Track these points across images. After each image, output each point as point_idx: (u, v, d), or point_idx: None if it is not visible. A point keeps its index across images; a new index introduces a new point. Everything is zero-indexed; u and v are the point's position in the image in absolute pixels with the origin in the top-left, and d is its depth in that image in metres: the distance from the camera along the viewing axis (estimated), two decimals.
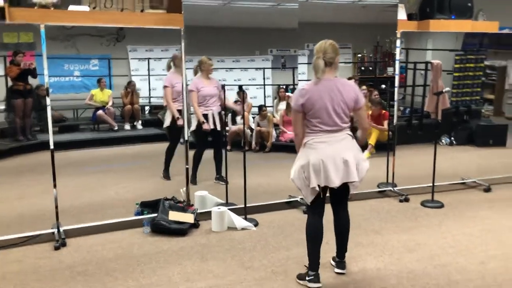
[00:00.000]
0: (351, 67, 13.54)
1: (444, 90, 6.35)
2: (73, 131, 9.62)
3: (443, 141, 8.56)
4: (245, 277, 3.44)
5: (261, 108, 8.46)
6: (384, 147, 6.38)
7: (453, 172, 6.23)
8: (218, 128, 5.78)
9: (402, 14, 5.59)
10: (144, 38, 11.22)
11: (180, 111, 5.80)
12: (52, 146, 4.15)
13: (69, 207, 4.76)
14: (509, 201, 5.21)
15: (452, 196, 5.37)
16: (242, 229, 4.38)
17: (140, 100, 10.42)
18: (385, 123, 7.43)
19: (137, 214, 4.61)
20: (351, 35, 13.02)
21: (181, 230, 4.29)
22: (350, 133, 3.25)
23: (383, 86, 8.70)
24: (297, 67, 11.45)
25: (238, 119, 8.24)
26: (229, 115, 8.41)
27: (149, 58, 11.13)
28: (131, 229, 4.41)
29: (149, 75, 10.89)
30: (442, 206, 5.03)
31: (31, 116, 8.46)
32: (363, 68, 13.59)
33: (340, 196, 3.32)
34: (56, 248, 3.96)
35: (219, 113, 5.85)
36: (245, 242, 4.11)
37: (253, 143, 8.19)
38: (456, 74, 8.75)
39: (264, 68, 11.62)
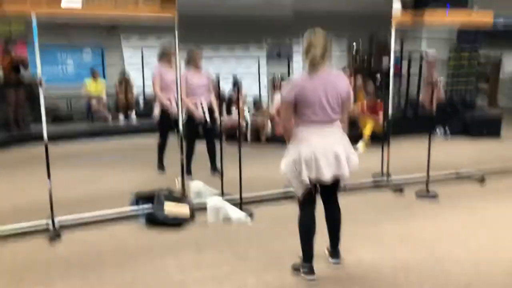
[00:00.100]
0: (346, 57, 13.53)
1: (438, 80, 6.37)
2: (66, 121, 9.56)
3: (437, 132, 8.59)
4: (241, 268, 3.45)
5: (256, 100, 8.44)
6: (379, 138, 6.39)
7: (447, 163, 6.26)
8: (208, 120, 5.75)
9: (397, 3, 5.56)
10: (138, 27, 11.13)
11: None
12: (46, 138, 4.11)
13: (64, 199, 4.73)
14: (503, 192, 5.25)
15: (446, 187, 5.40)
16: (238, 220, 4.39)
17: (134, 91, 10.35)
18: (380, 114, 7.44)
19: (133, 205, 4.59)
20: (346, 25, 12.98)
21: (176, 222, 4.28)
22: (341, 126, 3.24)
23: (378, 76, 8.71)
24: (292, 57, 11.44)
25: (233, 109, 8.22)
26: (224, 106, 8.39)
27: (143, 47, 11.01)
28: (127, 220, 4.40)
29: (143, 64, 10.79)
30: (436, 197, 5.05)
31: (24, 107, 8.39)
32: (358, 58, 13.58)
33: (330, 190, 3.31)
34: (51, 240, 3.95)
35: (209, 105, 5.82)
36: (240, 233, 4.11)
37: (248, 135, 8.18)
38: (451, 64, 8.76)
39: (259, 58, 11.58)
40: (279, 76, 9.46)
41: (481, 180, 5.64)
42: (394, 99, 9.02)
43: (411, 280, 3.23)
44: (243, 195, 4.59)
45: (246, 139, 8.07)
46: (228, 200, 4.58)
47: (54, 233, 4.01)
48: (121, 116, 9.72)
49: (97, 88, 9.53)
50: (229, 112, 8.37)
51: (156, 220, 4.28)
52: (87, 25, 10.14)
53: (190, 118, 5.71)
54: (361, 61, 13.42)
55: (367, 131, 7.62)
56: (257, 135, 8.17)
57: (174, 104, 5.74)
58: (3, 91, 8.01)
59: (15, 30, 9.45)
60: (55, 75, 10.92)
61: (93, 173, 6.17)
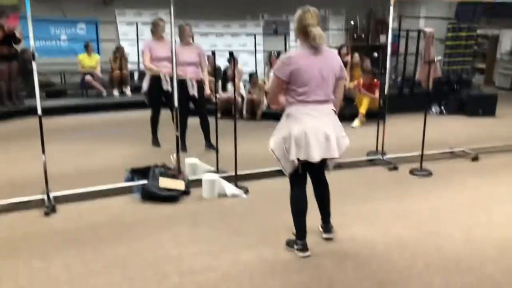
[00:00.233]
0: (344, 34, 13.41)
1: (435, 59, 6.34)
2: (61, 96, 9.48)
3: (433, 110, 8.60)
4: (236, 243, 3.48)
5: (252, 75, 8.37)
6: (375, 116, 6.39)
7: (442, 141, 6.29)
8: (195, 95, 5.73)
9: None
10: (133, 2, 10.96)
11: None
12: (40, 112, 4.08)
13: (59, 173, 4.73)
14: (496, 170, 5.29)
15: (440, 164, 5.43)
16: (233, 196, 4.41)
17: (129, 66, 10.25)
18: (377, 91, 7.42)
19: (127, 180, 4.59)
20: (345, 2, 12.85)
21: (172, 197, 4.30)
22: (334, 108, 3.21)
23: (375, 54, 8.65)
24: (289, 33, 11.32)
25: (229, 86, 8.17)
26: (220, 82, 8.33)
27: (138, 22, 10.86)
28: (122, 195, 4.41)
29: (137, 39, 10.65)
30: (430, 174, 5.09)
31: (17, 81, 8.30)
32: (355, 35, 13.47)
33: (317, 168, 3.29)
34: (46, 214, 3.95)
35: (198, 81, 5.78)
36: (235, 209, 4.14)
37: (244, 111, 8.15)
38: (448, 43, 8.70)
39: (255, 34, 11.45)
40: (276, 53, 9.37)
41: (475, 158, 5.67)
42: (391, 77, 9.00)
43: (405, 257, 3.27)
44: (238, 171, 4.60)
45: (241, 115, 8.04)
46: (224, 177, 4.59)
47: (50, 207, 4.01)
48: (116, 91, 9.64)
49: (91, 63, 9.41)
50: (224, 88, 8.32)
51: (151, 196, 4.28)
52: None
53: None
54: (358, 38, 13.32)
55: (363, 108, 7.61)
56: (253, 111, 8.14)
57: (164, 79, 5.72)
58: None
59: (7, 3, 9.27)
60: (49, 49, 10.77)
61: (88, 147, 6.16)
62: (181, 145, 5.42)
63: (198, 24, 11.75)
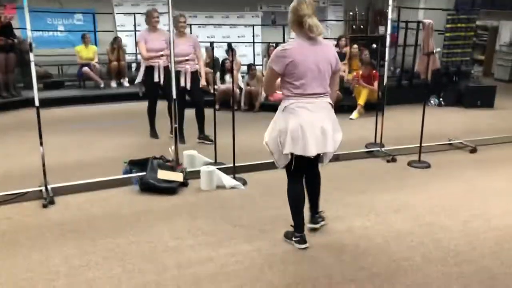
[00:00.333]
0: (343, 25, 13.35)
1: (434, 51, 6.31)
2: (58, 87, 9.43)
3: (431, 101, 8.59)
4: (234, 234, 3.49)
5: (250, 67, 8.34)
6: (373, 108, 6.38)
7: (440, 133, 6.29)
8: (188, 87, 5.71)
9: None
10: None
11: (166, 68, 5.72)
12: (37, 104, 4.06)
13: (57, 165, 4.72)
14: (494, 162, 5.30)
15: (438, 156, 5.44)
16: (231, 188, 4.41)
17: (127, 57, 10.19)
18: (375, 83, 7.41)
19: (126, 172, 4.59)
20: None
21: (170, 189, 4.30)
22: (330, 101, 3.19)
23: (374, 45, 8.61)
24: (287, 24, 11.24)
25: (227, 77, 8.14)
26: (218, 74, 8.30)
27: (135, 13, 10.79)
28: (120, 187, 4.40)
29: (135, 30, 10.58)
30: (428, 166, 5.09)
31: (14, 72, 8.25)
32: (354, 26, 13.41)
33: (312, 162, 3.25)
34: (45, 206, 3.95)
35: (194, 72, 5.75)
36: (233, 201, 4.14)
37: (242, 102, 8.13)
38: (448, 34, 8.66)
39: (253, 25, 11.40)
40: (274, 44, 9.32)
41: (473, 150, 5.68)
42: (390, 68, 8.97)
43: (402, 249, 3.28)
44: (236, 163, 4.59)
45: (240, 107, 8.03)
46: (222, 168, 4.59)
47: (48, 199, 4.01)
48: (113, 82, 9.60)
49: (89, 54, 9.35)
50: (222, 79, 8.29)
51: (149, 187, 4.28)
52: None
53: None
54: (357, 29, 13.27)
55: (361, 100, 7.60)
56: (251, 103, 8.12)
57: (157, 70, 5.71)
58: None
59: None
60: (46, 40, 10.71)
61: (85, 139, 6.14)
62: (179, 136, 5.42)
63: (197, 15, 11.69)
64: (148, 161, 4.49)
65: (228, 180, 4.45)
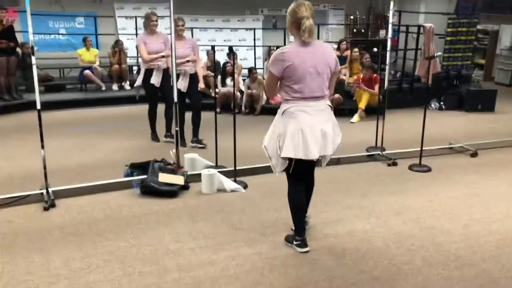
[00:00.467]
0: (344, 29, 13.38)
1: (435, 55, 6.32)
2: (60, 90, 9.45)
3: (432, 105, 8.59)
4: (235, 238, 3.49)
5: (251, 70, 8.35)
6: (374, 111, 6.38)
7: (441, 137, 6.29)
8: (186, 90, 5.71)
9: None
10: None
11: (167, 70, 5.74)
12: (39, 106, 4.07)
13: (58, 168, 4.73)
14: (495, 166, 5.29)
15: (439, 160, 5.44)
16: (232, 191, 4.41)
17: (128, 60, 10.22)
18: (376, 87, 7.41)
19: (127, 175, 4.60)
20: None
21: (171, 192, 4.30)
22: (330, 104, 3.18)
23: (375, 49, 8.63)
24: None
25: (228, 81, 8.16)
26: (219, 77, 8.32)
27: (137, 17, 10.82)
28: (121, 190, 4.41)
29: (136, 34, 10.60)
30: (429, 170, 5.09)
31: (15, 75, 8.27)
32: (355, 30, 13.44)
33: (309, 164, 3.22)
34: (46, 209, 3.96)
35: (192, 75, 5.76)
36: (234, 204, 4.14)
37: (243, 106, 8.15)
38: (448, 38, 8.67)
39: (254, 29, 11.42)
40: (275, 48, 9.35)
41: (474, 154, 5.68)
42: (390, 72, 8.98)
43: (403, 252, 3.28)
44: (237, 166, 4.59)
45: (240, 110, 8.04)
46: (222, 172, 4.59)
47: (49, 202, 4.01)
48: (115, 85, 9.61)
49: (90, 57, 9.38)
50: (224, 83, 8.30)
51: (150, 191, 4.28)
52: None
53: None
54: (358, 33, 13.29)
55: (362, 104, 7.60)
56: (252, 106, 8.13)
57: (155, 73, 5.74)
58: None
59: None
60: (47, 43, 10.74)
61: (87, 142, 6.15)
62: (180, 140, 5.42)
63: (198, 19, 11.72)
64: (149, 164, 4.50)
65: (229, 183, 4.45)
